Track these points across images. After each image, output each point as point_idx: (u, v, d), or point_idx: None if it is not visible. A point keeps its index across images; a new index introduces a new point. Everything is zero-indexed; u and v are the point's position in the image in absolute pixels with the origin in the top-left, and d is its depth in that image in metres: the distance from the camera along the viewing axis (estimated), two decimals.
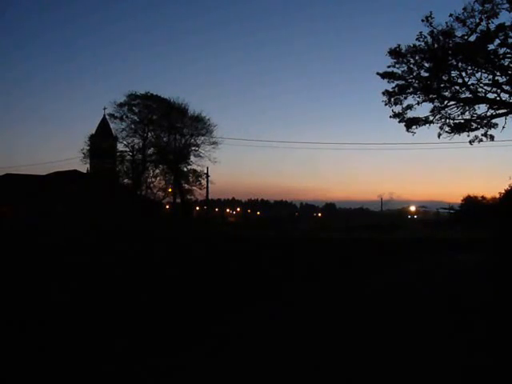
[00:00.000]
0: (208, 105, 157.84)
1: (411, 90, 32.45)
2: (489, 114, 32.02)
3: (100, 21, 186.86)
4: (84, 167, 74.69)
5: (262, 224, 73.19)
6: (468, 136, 32.96)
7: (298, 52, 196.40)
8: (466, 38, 29.61)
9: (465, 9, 28.61)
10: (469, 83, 31.29)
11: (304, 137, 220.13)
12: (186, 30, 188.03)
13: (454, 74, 31.53)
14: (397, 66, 31.91)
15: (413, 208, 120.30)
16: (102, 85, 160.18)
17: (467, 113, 32.57)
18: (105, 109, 76.18)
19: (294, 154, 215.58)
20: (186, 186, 77.24)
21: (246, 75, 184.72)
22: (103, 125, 75.46)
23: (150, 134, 76.87)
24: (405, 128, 33.39)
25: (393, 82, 32.51)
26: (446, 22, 29.55)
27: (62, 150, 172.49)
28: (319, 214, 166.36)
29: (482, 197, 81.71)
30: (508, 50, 29.42)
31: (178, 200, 77.86)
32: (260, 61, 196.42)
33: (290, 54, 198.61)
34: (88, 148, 73.87)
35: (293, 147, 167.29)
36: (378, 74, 32.74)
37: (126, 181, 77.18)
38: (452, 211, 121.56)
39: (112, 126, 76.08)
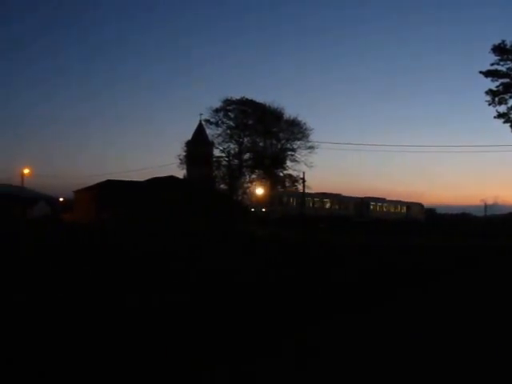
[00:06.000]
0: (304, 109, 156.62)
1: None
2: None
3: (195, 24, 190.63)
4: (181, 173, 76.03)
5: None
6: None
7: (391, 53, 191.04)
8: None
9: None
10: None
11: (402, 140, 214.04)
12: (282, 33, 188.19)
13: None
14: (501, 63, 29.74)
15: None
16: (197, 90, 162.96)
17: None
18: (201, 115, 77.01)
19: (392, 158, 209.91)
20: None
21: (343, 79, 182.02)
22: (199, 131, 76.18)
23: (245, 139, 77.21)
24: (510, 129, 31.18)
25: (497, 80, 30.35)
26: None
27: (159, 157, 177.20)
28: None
29: None
30: None
31: None
32: (355, 65, 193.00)
33: (384, 56, 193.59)
34: (185, 154, 75.07)
35: (391, 151, 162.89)
36: (480, 72, 30.78)
37: (222, 186, 77.73)
38: None
39: (208, 131, 76.93)
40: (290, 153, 76.67)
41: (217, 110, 75.82)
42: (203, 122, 76.65)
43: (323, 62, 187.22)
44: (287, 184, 78.31)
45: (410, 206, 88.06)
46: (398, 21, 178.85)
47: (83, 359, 6.97)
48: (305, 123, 75.59)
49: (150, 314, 9.80)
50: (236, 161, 77.00)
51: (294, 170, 76.27)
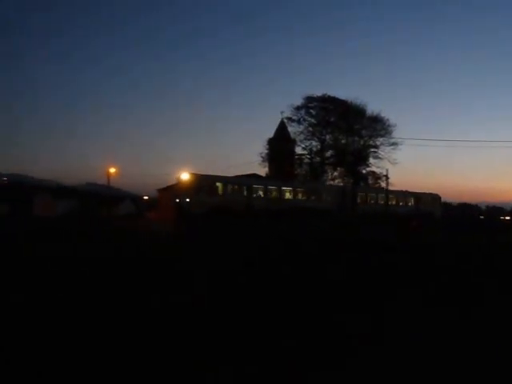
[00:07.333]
0: (387, 105, 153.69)
1: None
2: None
3: (277, 22, 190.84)
4: (263, 171, 75.88)
5: None
6: None
7: (475, 45, 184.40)
8: None
9: None
10: None
11: (488, 135, 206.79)
12: (363, 32, 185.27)
13: None
14: None
15: None
16: (278, 88, 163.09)
17: None
18: (282, 112, 76.47)
19: (479, 154, 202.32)
20: None
21: (426, 75, 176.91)
22: (281, 128, 75.76)
23: (327, 136, 76.05)
24: None
25: None
26: None
27: (242, 154, 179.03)
28: (506, 218, 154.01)
29: None
30: None
31: None
32: (439, 61, 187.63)
33: (467, 49, 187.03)
34: (267, 151, 74.85)
35: (477, 146, 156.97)
36: None
37: None
38: None
39: (290, 129, 76.26)
40: (372, 149, 75.13)
41: (298, 108, 75.16)
42: (285, 120, 76.24)
43: (407, 58, 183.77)
44: (370, 181, 77.11)
45: (419, 197, 70.79)
46: (486, 21, 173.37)
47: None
48: (388, 119, 73.93)
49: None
50: (318, 158, 75.99)
51: (377, 166, 75.01)
